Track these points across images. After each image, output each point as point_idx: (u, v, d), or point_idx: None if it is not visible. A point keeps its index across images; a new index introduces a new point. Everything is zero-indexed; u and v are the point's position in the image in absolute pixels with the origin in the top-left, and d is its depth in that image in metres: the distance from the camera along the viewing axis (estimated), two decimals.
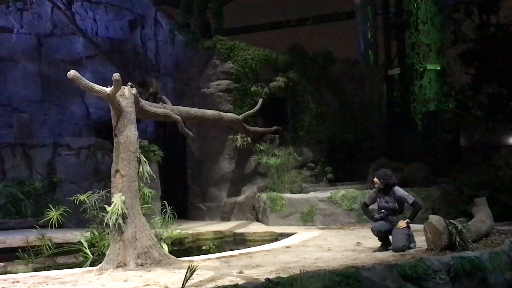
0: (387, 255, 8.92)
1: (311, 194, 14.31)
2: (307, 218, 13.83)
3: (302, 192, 14.77)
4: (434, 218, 9.05)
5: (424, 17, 19.91)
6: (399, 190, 9.53)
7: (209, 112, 14.70)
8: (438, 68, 19.90)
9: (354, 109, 18.24)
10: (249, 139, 16.02)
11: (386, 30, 23.42)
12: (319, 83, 17.72)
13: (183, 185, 17.04)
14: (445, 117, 18.43)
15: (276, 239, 12.29)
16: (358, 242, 10.51)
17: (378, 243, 9.60)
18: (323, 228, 13.06)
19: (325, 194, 14.03)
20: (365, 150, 17.94)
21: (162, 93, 15.28)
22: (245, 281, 6.66)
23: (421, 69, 19.79)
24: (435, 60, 19.91)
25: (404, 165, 15.55)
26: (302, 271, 6.83)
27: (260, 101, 16.37)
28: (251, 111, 16.12)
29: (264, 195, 14.84)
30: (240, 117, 15.59)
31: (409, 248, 9.33)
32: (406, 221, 9.36)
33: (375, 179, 9.64)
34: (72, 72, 8.52)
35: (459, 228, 8.75)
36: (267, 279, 6.41)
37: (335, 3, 25.28)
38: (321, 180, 16.79)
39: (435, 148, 17.61)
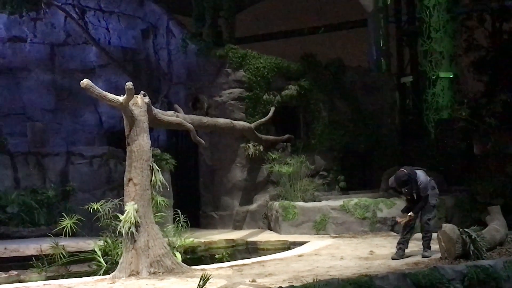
0: (401, 264, 8.88)
1: (324, 203, 14.26)
2: (320, 227, 13.78)
3: (315, 201, 14.72)
4: (448, 227, 9.01)
5: (436, 24, 19.89)
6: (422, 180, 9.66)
7: (221, 120, 14.71)
8: (451, 76, 19.85)
9: (366, 117, 18.17)
10: (261, 147, 16.00)
11: (399, 38, 23.40)
12: (331, 91, 17.69)
13: (195, 194, 17.03)
14: (458, 125, 18.33)
15: (289, 248, 12.26)
16: (371, 251, 10.47)
17: (391, 252, 9.56)
18: (335, 237, 13.02)
19: (338, 202, 13.98)
20: (378, 158, 17.87)
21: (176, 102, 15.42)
22: None
23: (434, 77, 19.76)
24: (447, 68, 19.87)
25: None
26: (315, 280, 6.82)
27: (272, 109, 16.37)
28: (263, 119, 16.11)
29: (276, 204, 14.81)
30: (252, 125, 15.59)
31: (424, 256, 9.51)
32: (409, 214, 9.59)
33: (403, 190, 9.68)
34: (85, 81, 8.58)
35: (473, 237, 8.71)
36: None
37: (347, 11, 25.30)
38: (334, 188, 16.73)
39: (448, 157, 17.51)
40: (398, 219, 10.04)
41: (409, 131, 19.76)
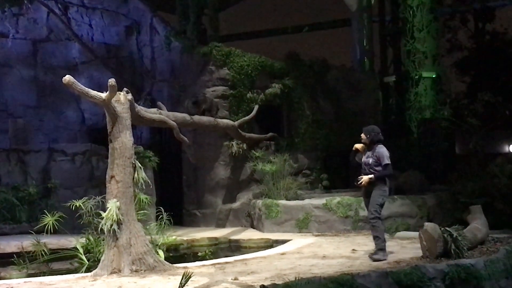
0: (382, 262, 8.91)
1: (307, 201, 14.29)
2: (303, 225, 13.81)
3: (298, 199, 14.74)
4: (429, 226, 9.06)
5: (419, 24, 20.01)
6: (381, 148, 9.55)
7: (205, 118, 14.69)
8: (433, 76, 19.98)
9: (349, 116, 18.22)
10: (244, 145, 16.00)
11: (382, 38, 23.50)
12: (315, 90, 17.73)
13: (178, 192, 17.00)
14: (440, 125, 18.47)
15: (272, 246, 12.27)
16: (353, 249, 10.51)
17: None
18: (318, 235, 13.05)
19: (321, 201, 14.02)
20: None
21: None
22: None
23: (417, 77, 19.89)
24: (430, 68, 20.00)
25: (399, 173, 15.54)
26: (297, 278, 6.83)
27: (256, 107, 16.37)
28: (247, 117, 16.11)
29: (259, 202, 14.82)
30: (236, 123, 15.58)
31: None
32: (369, 176, 9.35)
33: (362, 135, 9.69)
34: (67, 78, 8.52)
35: (454, 236, 8.77)
36: (262, 286, 6.41)
37: (331, 10, 25.36)
38: (317, 187, 16.76)
39: (430, 156, 17.63)
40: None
41: (392, 131, 19.85)
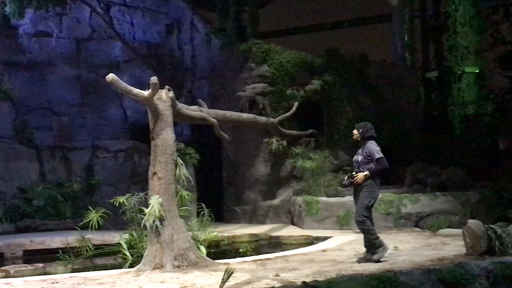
0: (425, 260, 8.83)
1: (347, 198, 14.17)
2: (343, 222, 13.75)
3: (338, 196, 14.68)
4: (473, 223, 8.95)
5: (462, 19, 19.65)
6: (371, 144, 9.14)
7: (245, 115, 14.73)
8: (476, 71, 19.62)
9: (390, 113, 18.04)
10: (284, 142, 16.00)
11: (424, 33, 23.18)
12: (355, 86, 17.60)
13: (218, 188, 17.10)
14: (483, 120, 18.17)
15: (312, 243, 12.25)
16: (395, 247, 10.42)
17: (415, 248, 9.50)
18: (359, 232, 12.89)
19: None
20: (402, 153, 17.73)
21: (199, 96, 15.45)
22: (281, 284, 6.66)
23: (459, 72, 19.54)
24: (473, 62, 19.64)
25: (441, 169, 15.36)
26: (339, 275, 6.81)
27: (296, 104, 16.33)
28: (287, 114, 16.09)
29: (299, 199, 14.80)
30: (276, 120, 15.58)
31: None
32: (365, 173, 8.91)
33: (354, 131, 9.36)
34: (110, 76, 8.66)
35: (498, 233, 8.64)
36: (304, 283, 6.40)
37: (372, 5, 25.12)
38: None
39: (473, 152, 17.36)
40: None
41: (434, 127, 19.59)
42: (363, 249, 9.28)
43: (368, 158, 9.05)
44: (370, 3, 25.32)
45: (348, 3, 26.06)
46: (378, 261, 8.82)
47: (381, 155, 9.03)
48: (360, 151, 9.22)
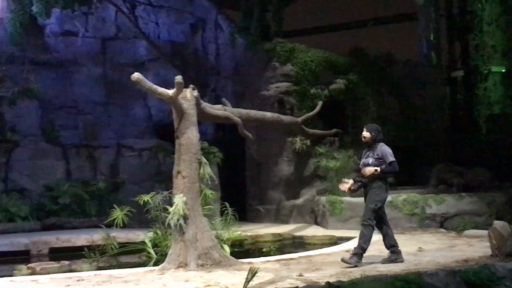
0: (450, 261, 8.75)
1: None
2: None
3: (362, 196, 14.57)
4: (499, 224, 8.86)
5: (488, 18, 19.42)
6: (383, 146, 8.95)
7: (269, 114, 14.71)
8: (503, 70, 19.39)
9: (415, 112, 17.93)
10: (308, 141, 15.96)
11: (450, 32, 22.96)
12: (380, 86, 17.51)
13: (241, 187, 17.12)
14: (510, 120, 17.95)
15: (336, 243, 12.21)
16: (419, 247, 10.35)
17: (440, 249, 9.42)
18: None
19: None
20: (427, 153, 17.62)
21: (222, 95, 15.46)
22: (305, 284, 6.65)
23: (486, 72, 19.32)
24: (500, 62, 19.40)
25: (467, 169, 15.22)
26: (363, 276, 6.78)
27: (320, 103, 16.29)
28: (311, 113, 16.05)
29: (323, 199, 14.76)
30: (300, 119, 15.55)
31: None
32: (374, 168, 8.72)
33: (365, 133, 9.03)
34: (136, 75, 8.72)
35: None
36: (328, 283, 6.38)
37: (397, 4, 24.93)
38: None
39: (499, 152, 17.15)
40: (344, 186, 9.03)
41: (460, 126, 19.40)
42: (387, 250, 9.22)
43: (380, 160, 8.89)
44: (395, 1, 25.14)
45: (373, 2, 25.89)
46: (346, 262, 8.64)
47: (393, 158, 8.89)
48: (370, 153, 8.99)
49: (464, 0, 22.00)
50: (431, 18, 21.71)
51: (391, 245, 8.97)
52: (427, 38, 21.61)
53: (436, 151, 17.61)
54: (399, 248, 9.01)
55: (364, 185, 8.93)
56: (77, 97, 18.57)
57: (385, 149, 8.95)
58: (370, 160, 8.90)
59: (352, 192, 9.17)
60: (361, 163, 9.07)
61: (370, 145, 9.05)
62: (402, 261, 8.79)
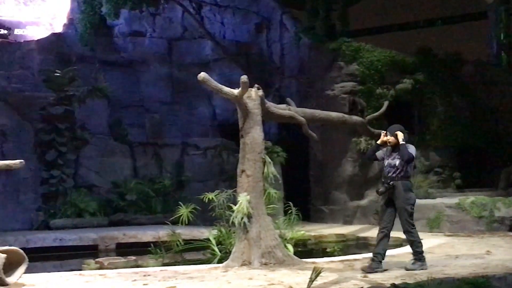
0: None
1: (438, 200, 13.88)
2: (434, 225, 13.41)
3: (429, 198, 14.35)
4: None
5: None
6: (410, 146, 8.55)
7: (334, 114, 14.59)
8: None
9: (485, 113, 17.48)
10: (373, 142, 15.74)
11: None
12: (448, 86, 17.15)
13: (305, 187, 17.07)
14: None
15: (401, 245, 11.99)
16: (488, 251, 10.09)
17: (509, 252, 9.16)
18: (450, 235, 12.64)
19: (453, 200, 13.56)
20: (496, 155, 17.16)
21: (287, 95, 15.45)
22: (370, 286, 6.59)
23: None
24: None
25: None
26: (429, 278, 6.66)
27: (386, 103, 16.03)
28: (377, 113, 15.80)
29: None
30: (365, 119, 15.38)
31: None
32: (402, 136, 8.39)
33: (388, 137, 8.60)
34: (202, 74, 8.82)
35: None
36: (393, 285, 6.31)
37: (466, 3, 24.39)
38: (449, 186, 16.22)
39: None
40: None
41: None
42: (455, 253, 9.00)
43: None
44: (464, 0, 24.61)
45: (441, 1, 25.41)
46: (411, 270, 8.23)
47: (414, 155, 8.53)
48: (395, 154, 8.59)
49: None
50: (501, 17, 21.15)
51: (378, 253, 8.49)
52: (497, 38, 21.06)
53: (506, 153, 17.12)
54: (384, 259, 8.50)
55: (392, 187, 8.64)
56: (144, 96, 18.96)
57: (413, 148, 8.60)
58: (397, 162, 8.54)
59: (379, 194, 8.86)
60: (385, 164, 8.71)
61: (395, 146, 8.65)
62: (381, 271, 8.19)
